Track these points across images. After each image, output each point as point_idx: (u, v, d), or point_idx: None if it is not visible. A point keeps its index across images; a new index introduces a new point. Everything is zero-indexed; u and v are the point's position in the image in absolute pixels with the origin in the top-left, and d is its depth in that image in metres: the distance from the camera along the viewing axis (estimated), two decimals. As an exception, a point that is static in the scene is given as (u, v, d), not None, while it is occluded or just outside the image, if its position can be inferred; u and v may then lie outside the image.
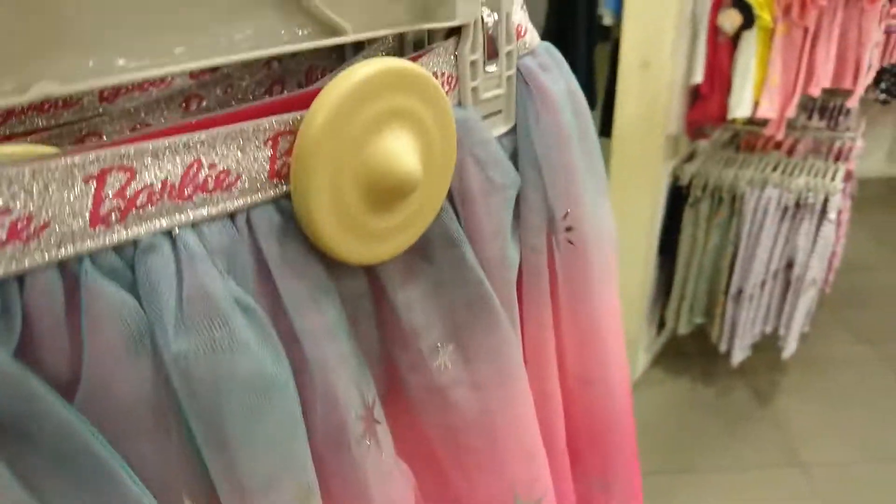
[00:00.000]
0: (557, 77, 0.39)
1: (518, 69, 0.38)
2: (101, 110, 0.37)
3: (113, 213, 0.23)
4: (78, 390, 0.24)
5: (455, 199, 0.36)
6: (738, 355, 1.67)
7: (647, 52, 1.38)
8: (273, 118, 0.27)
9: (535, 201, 0.40)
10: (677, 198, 1.65)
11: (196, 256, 0.25)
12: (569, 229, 0.41)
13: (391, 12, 0.32)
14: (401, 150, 0.29)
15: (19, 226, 0.21)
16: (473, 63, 0.35)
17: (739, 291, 1.62)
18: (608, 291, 0.45)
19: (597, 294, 0.44)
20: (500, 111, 0.38)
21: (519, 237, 0.40)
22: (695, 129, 1.59)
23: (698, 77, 1.46)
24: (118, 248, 0.24)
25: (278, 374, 0.27)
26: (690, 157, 1.67)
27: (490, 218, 0.38)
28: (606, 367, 0.47)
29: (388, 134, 0.29)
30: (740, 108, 1.44)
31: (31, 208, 0.22)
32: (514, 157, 0.39)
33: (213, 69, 0.39)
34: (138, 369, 0.25)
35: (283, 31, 0.28)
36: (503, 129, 0.39)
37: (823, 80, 1.45)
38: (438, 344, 0.36)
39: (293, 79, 0.42)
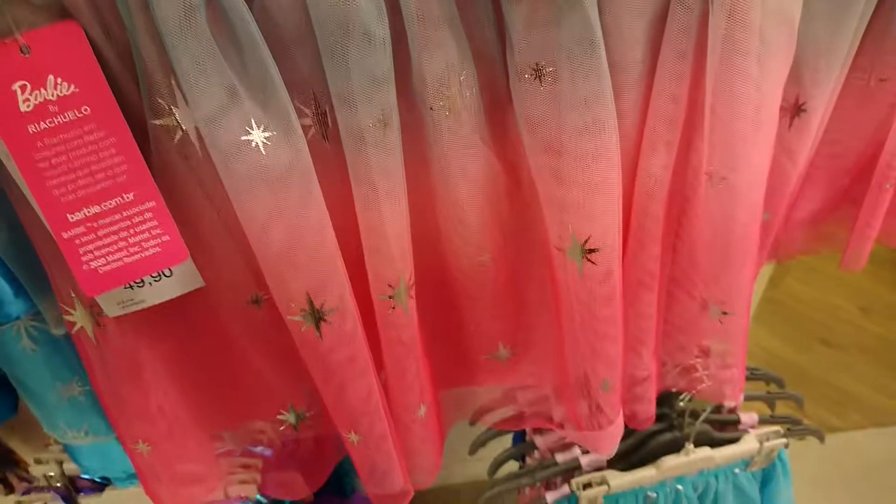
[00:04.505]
0: None
1: None
2: None
3: None
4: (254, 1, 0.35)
5: None
6: None
7: None
8: None
9: None
10: None
11: None
12: None
13: None
14: None
15: None
16: None
17: None
18: (768, 80, 0.42)
19: (752, 78, 0.41)
20: None
21: None
22: None
23: None
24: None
25: (375, 28, 0.36)
26: None
27: None
28: (744, 164, 0.45)
29: None
30: None
31: None
32: None
33: None
34: None
35: None
36: None
37: None
38: (536, 63, 0.39)
39: None
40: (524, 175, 0.46)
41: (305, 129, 0.39)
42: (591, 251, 0.45)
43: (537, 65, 0.40)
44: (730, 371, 0.61)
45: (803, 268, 1.76)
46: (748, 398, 0.78)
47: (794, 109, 0.49)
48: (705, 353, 0.59)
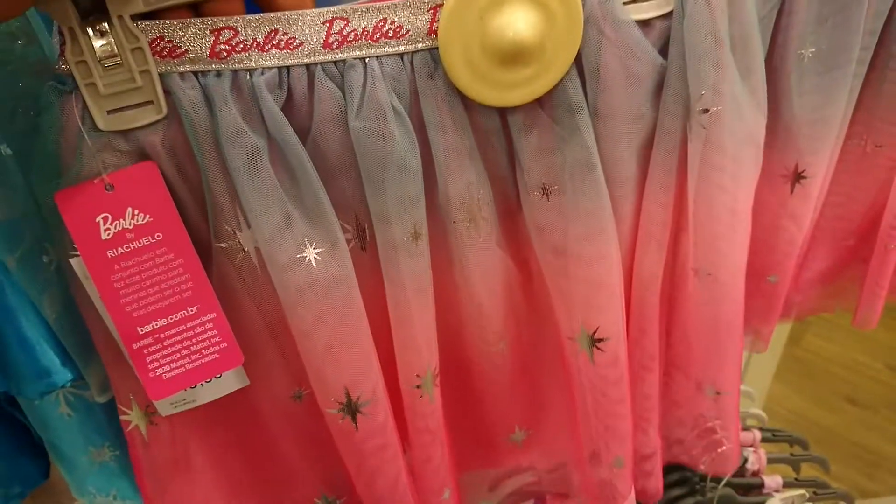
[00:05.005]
0: None
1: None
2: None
3: (335, 43, 0.39)
4: (307, 138, 0.41)
5: (587, 75, 0.43)
6: None
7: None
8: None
9: (678, 89, 0.44)
10: None
11: (376, 76, 0.40)
12: (706, 114, 0.44)
13: None
14: (512, 21, 0.39)
15: (287, 41, 0.38)
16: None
17: None
18: (741, 190, 0.49)
19: (727, 189, 0.48)
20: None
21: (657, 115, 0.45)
22: None
23: None
24: (335, 63, 0.40)
25: (409, 161, 0.41)
26: None
27: (626, 104, 0.44)
28: (725, 261, 0.51)
29: (507, 8, 0.39)
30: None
31: (295, 34, 0.38)
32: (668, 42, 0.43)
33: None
34: (338, 132, 0.41)
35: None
36: (657, 11, 0.42)
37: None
38: (543, 183, 0.46)
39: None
40: (536, 273, 0.51)
41: (347, 241, 0.44)
42: (600, 340, 0.50)
43: (544, 184, 0.46)
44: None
45: (823, 323, 1.71)
46: (772, 461, 0.77)
47: (793, 176, 0.54)
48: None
